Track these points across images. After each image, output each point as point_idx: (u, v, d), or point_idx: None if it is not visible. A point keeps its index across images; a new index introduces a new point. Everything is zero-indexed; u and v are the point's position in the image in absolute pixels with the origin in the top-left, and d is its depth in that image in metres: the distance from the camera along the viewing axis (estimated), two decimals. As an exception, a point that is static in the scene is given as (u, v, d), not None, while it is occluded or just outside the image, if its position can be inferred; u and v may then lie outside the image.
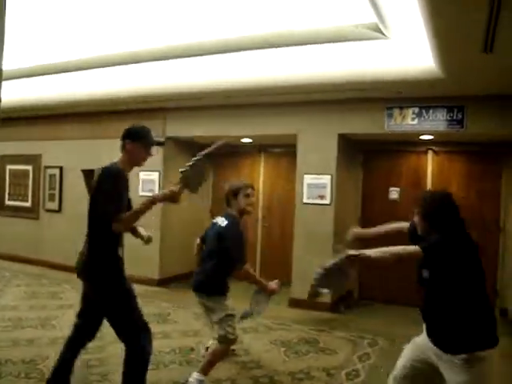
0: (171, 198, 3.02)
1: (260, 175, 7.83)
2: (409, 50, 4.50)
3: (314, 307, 6.04)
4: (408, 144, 6.67)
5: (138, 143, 3.11)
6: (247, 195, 3.73)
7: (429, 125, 5.73)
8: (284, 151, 7.58)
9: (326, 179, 6.18)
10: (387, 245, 2.38)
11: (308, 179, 6.27)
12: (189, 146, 7.60)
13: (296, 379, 3.87)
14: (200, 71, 5.68)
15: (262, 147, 7.66)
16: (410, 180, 6.76)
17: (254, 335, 4.92)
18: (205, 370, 3.55)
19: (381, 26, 4.32)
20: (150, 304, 5.97)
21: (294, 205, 6.46)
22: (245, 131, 6.72)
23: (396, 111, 5.85)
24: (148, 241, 3.42)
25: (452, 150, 6.57)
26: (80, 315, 3.29)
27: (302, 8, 4.34)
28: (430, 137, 6.15)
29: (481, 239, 5.90)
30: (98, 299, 3.06)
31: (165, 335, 4.87)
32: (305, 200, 6.31)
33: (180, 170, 3.05)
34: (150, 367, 3.89)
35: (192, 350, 4.45)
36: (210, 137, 7.07)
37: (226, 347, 3.60)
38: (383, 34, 4.46)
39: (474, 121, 5.51)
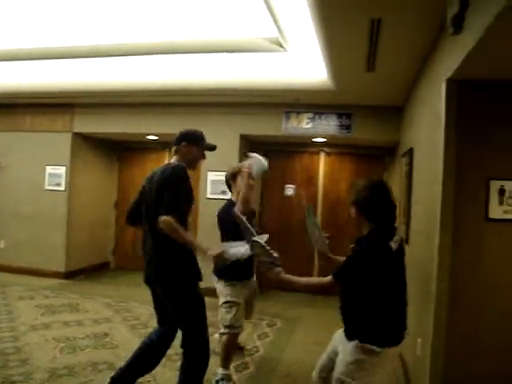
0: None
1: (165, 171, 8.08)
2: (306, 64, 5.04)
3: (213, 295, 6.47)
4: (303, 145, 7.32)
5: (194, 146, 3.19)
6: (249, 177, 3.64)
7: (321, 129, 6.39)
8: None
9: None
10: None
11: (211, 176, 6.69)
12: (96, 142, 7.71)
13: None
14: (108, 71, 5.84)
15: (166, 144, 7.91)
16: (304, 178, 7.43)
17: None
18: (225, 364, 3.71)
19: (281, 41, 4.83)
20: (60, 295, 6.18)
21: (197, 200, 6.83)
22: (152, 129, 6.96)
23: (293, 115, 6.44)
24: None
25: (341, 151, 7.33)
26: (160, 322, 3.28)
27: (216, 20, 4.69)
28: (323, 139, 6.82)
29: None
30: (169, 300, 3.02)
31: (78, 323, 5.07)
32: (208, 195, 6.72)
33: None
34: (67, 352, 4.16)
35: (106, 334, 4.70)
36: (118, 133, 7.25)
37: (229, 336, 3.67)
38: (283, 48, 4.98)
39: (359, 127, 6.26)
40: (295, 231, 7.31)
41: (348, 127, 6.29)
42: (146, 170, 7.96)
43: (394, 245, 2.38)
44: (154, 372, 3.41)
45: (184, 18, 4.77)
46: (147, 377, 3.53)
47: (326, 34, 3.66)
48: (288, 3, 3.71)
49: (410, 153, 4.69)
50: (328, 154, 7.38)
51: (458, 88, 2.98)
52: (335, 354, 2.53)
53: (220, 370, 3.72)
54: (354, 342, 2.35)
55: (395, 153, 6.57)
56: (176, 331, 3.22)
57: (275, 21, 4.26)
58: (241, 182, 3.58)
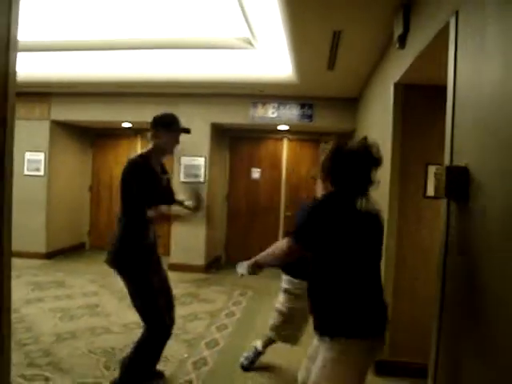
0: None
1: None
2: (273, 60, 5.63)
3: (190, 270, 7.08)
4: (267, 132, 7.94)
5: (165, 131, 3.14)
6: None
7: (285, 117, 7.02)
8: (160, 135, 8.40)
9: (200, 161, 7.19)
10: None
11: (185, 161, 7.22)
12: (72, 128, 8.08)
13: (188, 320, 4.92)
14: (85, 63, 6.23)
15: (138, 131, 8.36)
16: (268, 162, 8.07)
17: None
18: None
19: (252, 40, 5.40)
20: (43, 274, 6.62)
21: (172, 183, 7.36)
22: (126, 117, 7.40)
23: (259, 105, 7.04)
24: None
25: (302, 138, 8.00)
26: None
27: (195, 20, 5.18)
28: (286, 127, 7.46)
29: None
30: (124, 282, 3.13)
31: (68, 296, 5.57)
32: (182, 179, 7.25)
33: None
34: (66, 320, 4.67)
35: (97, 305, 5.25)
36: (93, 121, 7.67)
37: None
38: (253, 46, 5.55)
39: (320, 116, 6.94)
40: (259, 211, 7.98)
41: (310, 117, 6.95)
42: (118, 156, 8.63)
43: (359, 204, 2.04)
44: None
45: (160, 16, 5.25)
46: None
47: (295, 41, 4.28)
48: (261, 10, 4.28)
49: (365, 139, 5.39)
50: (290, 140, 8.03)
51: (403, 90, 3.66)
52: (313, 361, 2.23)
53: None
54: (326, 338, 2.07)
55: (351, 139, 7.28)
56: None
57: (248, 23, 4.83)
58: None
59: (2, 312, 1.67)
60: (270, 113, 7.05)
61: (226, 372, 3.72)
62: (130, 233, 3.08)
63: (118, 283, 3.37)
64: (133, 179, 3.01)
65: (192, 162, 7.22)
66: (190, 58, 5.94)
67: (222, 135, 7.93)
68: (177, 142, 3.23)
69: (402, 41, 3.23)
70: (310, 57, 4.78)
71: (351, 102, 6.80)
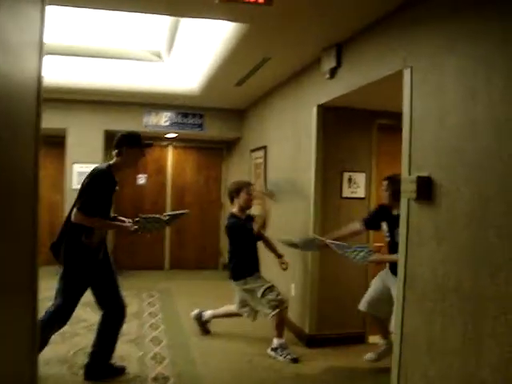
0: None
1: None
2: (180, 74, 6.02)
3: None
4: (154, 139, 8.19)
5: (134, 148, 3.52)
6: (249, 193, 4.47)
7: (177, 126, 7.42)
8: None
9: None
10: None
11: (77, 168, 7.18)
12: None
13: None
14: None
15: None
16: (154, 168, 8.35)
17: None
18: (279, 334, 4.24)
19: (162, 54, 5.74)
20: None
21: (63, 190, 7.26)
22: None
23: (153, 113, 7.33)
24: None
25: (187, 145, 8.46)
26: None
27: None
28: (174, 135, 7.85)
29: (208, 211, 8.18)
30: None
31: None
32: (74, 186, 7.17)
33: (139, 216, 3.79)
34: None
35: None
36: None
37: (279, 312, 4.19)
38: (161, 59, 5.87)
39: (209, 125, 7.50)
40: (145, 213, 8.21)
41: (200, 126, 7.46)
42: None
43: None
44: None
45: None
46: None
47: (224, 60, 4.68)
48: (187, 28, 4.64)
49: (264, 148, 6.11)
50: (175, 147, 8.44)
51: (323, 110, 4.43)
52: (386, 286, 3.79)
53: (275, 340, 4.26)
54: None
55: (234, 146, 8.00)
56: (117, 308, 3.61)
57: (171, 37, 5.11)
58: (244, 197, 4.45)
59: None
60: (162, 122, 7.38)
61: (185, 363, 4.10)
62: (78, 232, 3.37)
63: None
64: (100, 188, 3.44)
65: (85, 169, 7.17)
66: (96, 66, 6.02)
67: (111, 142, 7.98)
68: (143, 155, 3.70)
69: (333, 73, 3.99)
70: (226, 74, 5.28)
71: (238, 113, 7.50)
